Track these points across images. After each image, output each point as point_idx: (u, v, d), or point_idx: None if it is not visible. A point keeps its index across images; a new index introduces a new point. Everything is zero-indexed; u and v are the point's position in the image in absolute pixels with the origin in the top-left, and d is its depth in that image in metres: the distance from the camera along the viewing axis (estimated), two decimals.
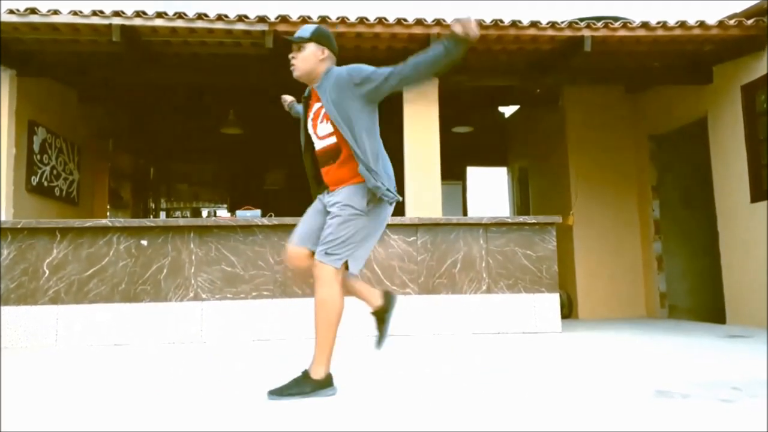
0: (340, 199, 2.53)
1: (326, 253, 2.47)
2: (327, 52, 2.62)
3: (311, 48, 2.60)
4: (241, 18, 4.93)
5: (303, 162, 2.77)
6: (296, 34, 2.63)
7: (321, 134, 2.62)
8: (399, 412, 2.23)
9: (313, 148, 2.69)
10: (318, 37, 2.61)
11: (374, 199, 2.51)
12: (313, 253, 2.56)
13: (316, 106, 2.64)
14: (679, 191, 7.05)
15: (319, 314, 2.47)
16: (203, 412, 2.27)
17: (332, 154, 2.59)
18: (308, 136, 2.71)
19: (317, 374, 2.47)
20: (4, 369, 3.39)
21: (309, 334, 4.82)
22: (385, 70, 2.47)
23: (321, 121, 2.60)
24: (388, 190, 2.51)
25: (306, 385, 2.44)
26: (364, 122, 2.51)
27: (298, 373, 2.51)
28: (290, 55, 2.63)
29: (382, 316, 2.77)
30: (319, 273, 2.47)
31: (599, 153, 7.22)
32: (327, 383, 2.49)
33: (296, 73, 2.63)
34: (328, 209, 2.57)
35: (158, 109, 8.50)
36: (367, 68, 2.52)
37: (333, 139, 2.57)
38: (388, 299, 2.79)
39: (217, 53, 5.53)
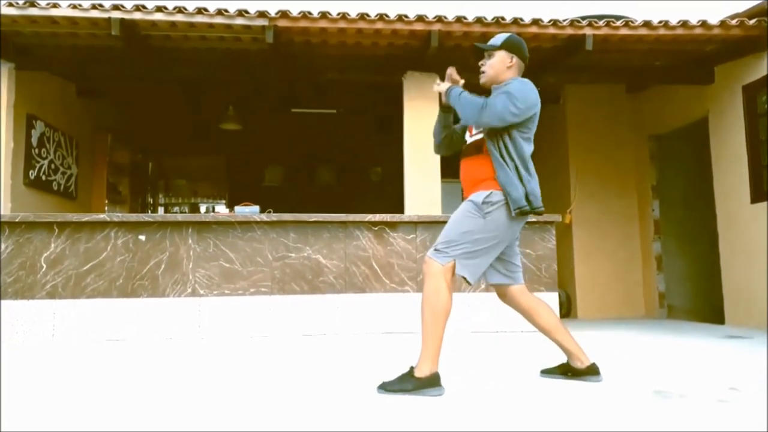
0: (470, 198, 2.60)
1: (435, 249, 2.53)
2: (515, 59, 2.71)
3: (501, 55, 2.70)
4: (241, 13, 4.91)
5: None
6: (489, 43, 2.75)
7: (474, 131, 2.73)
8: (396, 410, 2.21)
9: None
10: (509, 45, 2.71)
11: (498, 205, 2.53)
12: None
13: None
14: (679, 191, 7.04)
15: (424, 310, 2.47)
16: (203, 410, 2.26)
17: (477, 144, 2.68)
18: (465, 134, 2.80)
19: (421, 372, 2.44)
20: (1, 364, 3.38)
21: (306, 330, 4.85)
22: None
23: None
24: (516, 200, 2.50)
25: (408, 382, 2.43)
26: (512, 137, 2.57)
27: (405, 369, 2.51)
28: (480, 62, 2.74)
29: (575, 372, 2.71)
30: (426, 268, 2.52)
31: (599, 152, 7.21)
32: (432, 382, 2.43)
33: (483, 79, 2.74)
34: None
35: (157, 104, 8.47)
36: (507, 94, 2.54)
37: (480, 135, 2.67)
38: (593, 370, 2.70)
39: (216, 48, 5.51)
